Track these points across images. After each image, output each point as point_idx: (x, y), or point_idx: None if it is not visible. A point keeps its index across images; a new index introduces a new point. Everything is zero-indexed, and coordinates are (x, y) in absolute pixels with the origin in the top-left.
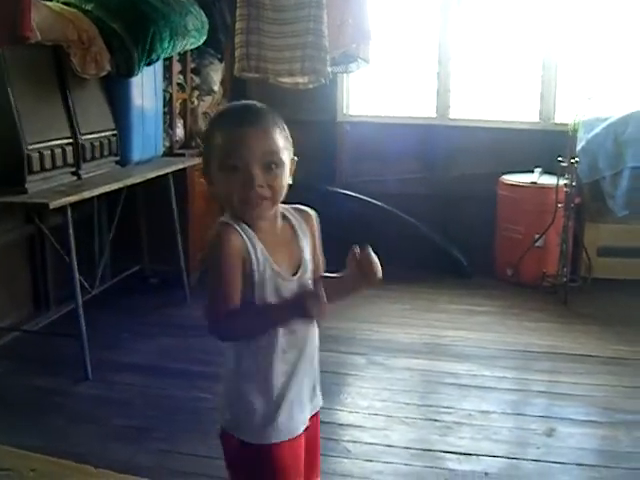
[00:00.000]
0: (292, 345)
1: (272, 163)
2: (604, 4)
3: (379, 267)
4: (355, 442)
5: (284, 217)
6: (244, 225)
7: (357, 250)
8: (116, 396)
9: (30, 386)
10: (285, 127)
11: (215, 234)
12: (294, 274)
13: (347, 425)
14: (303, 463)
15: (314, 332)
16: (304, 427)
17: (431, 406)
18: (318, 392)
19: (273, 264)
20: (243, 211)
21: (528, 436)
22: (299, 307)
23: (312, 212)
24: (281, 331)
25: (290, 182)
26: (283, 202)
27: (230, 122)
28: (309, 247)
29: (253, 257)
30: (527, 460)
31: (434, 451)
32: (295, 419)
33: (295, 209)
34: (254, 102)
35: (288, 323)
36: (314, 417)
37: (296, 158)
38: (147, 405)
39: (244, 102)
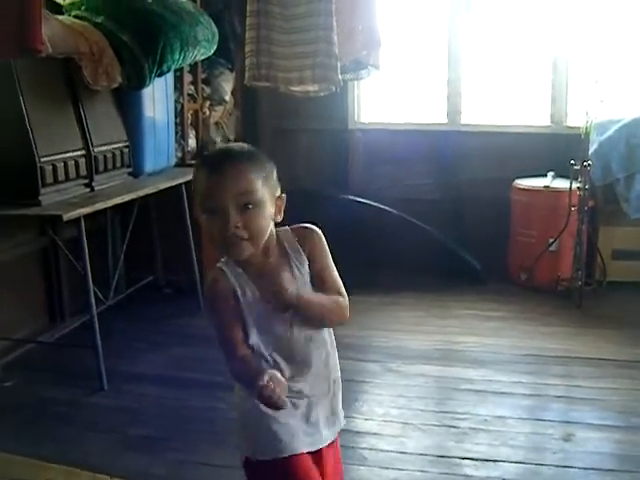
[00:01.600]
0: (294, 372)
1: (248, 203)
2: (614, 6)
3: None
4: (371, 449)
5: (282, 247)
6: (233, 266)
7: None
8: (131, 406)
9: (45, 397)
10: (269, 167)
11: (208, 283)
12: None
13: (363, 432)
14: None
15: (319, 355)
16: (321, 446)
17: (447, 412)
18: (340, 414)
19: (262, 302)
20: (226, 252)
21: (545, 441)
22: (257, 388)
23: (314, 230)
24: (279, 357)
25: (279, 219)
26: (281, 225)
27: (208, 166)
28: (306, 269)
29: (242, 299)
30: (545, 465)
31: (451, 457)
32: (310, 435)
33: (294, 230)
34: (239, 145)
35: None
36: (333, 443)
37: (284, 195)
38: (162, 415)
39: (227, 145)
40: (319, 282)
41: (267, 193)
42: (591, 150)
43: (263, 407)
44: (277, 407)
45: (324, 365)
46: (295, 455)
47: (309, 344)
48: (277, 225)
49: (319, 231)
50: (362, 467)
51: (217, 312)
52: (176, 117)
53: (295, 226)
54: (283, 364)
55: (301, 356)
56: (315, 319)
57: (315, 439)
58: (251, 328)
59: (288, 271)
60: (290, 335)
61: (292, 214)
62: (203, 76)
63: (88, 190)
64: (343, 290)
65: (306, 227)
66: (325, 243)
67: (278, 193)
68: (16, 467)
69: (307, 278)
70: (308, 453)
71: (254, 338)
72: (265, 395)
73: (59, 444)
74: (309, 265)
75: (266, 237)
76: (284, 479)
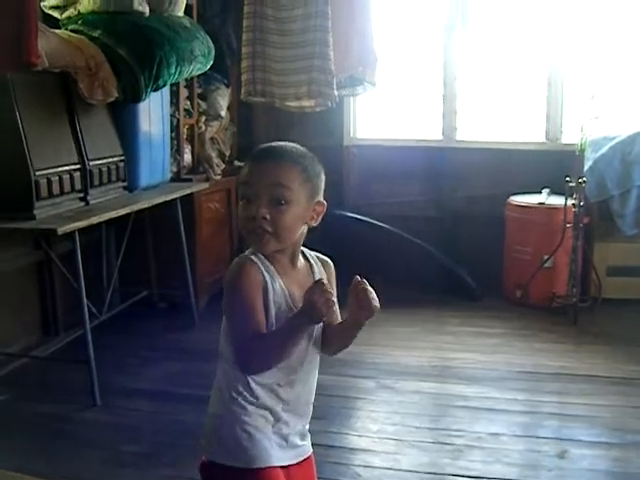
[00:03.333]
0: (287, 381)
1: (280, 198)
2: (609, 24)
3: (374, 298)
4: (366, 466)
5: (305, 258)
6: (263, 258)
7: (355, 281)
8: (124, 422)
9: (38, 412)
10: (313, 170)
11: (235, 268)
12: None
13: (357, 449)
14: None
15: (312, 373)
16: (296, 461)
17: (442, 429)
18: (308, 437)
19: (289, 299)
20: (250, 241)
21: (540, 458)
22: (307, 307)
23: (331, 263)
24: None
25: (315, 224)
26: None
27: (255, 156)
28: None
29: (271, 291)
30: None
31: (445, 475)
32: (282, 449)
33: (317, 256)
34: (291, 144)
35: (303, 329)
36: (309, 457)
37: (324, 202)
38: (155, 431)
39: (280, 142)
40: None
41: (304, 194)
42: (586, 167)
43: (248, 410)
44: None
45: (311, 385)
46: (266, 467)
47: (311, 361)
48: (309, 232)
49: (333, 266)
50: None
51: (245, 293)
52: (172, 132)
53: (316, 254)
54: (281, 372)
55: (300, 369)
56: (348, 341)
57: (288, 454)
58: (272, 324)
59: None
60: (305, 347)
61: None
62: (199, 91)
63: (83, 204)
64: None
65: (325, 259)
66: None
67: (319, 198)
68: None
69: None
70: (282, 467)
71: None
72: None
73: (51, 460)
74: None
75: (293, 238)
76: None
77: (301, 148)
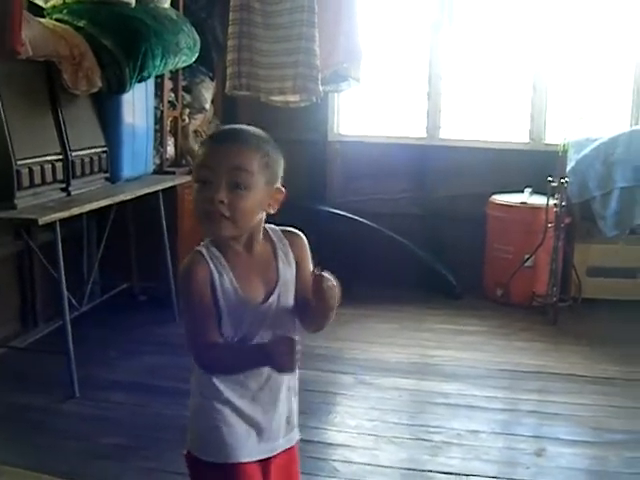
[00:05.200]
0: (252, 373)
1: (239, 183)
2: (594, 26)
3: (332, 290)
4: (344, 462)
5: (268, 239)
6: (214, 250)
7: (315, 272)
8: (103, 414)
9: (16, 403)
10: (274, 156)
11: (185, 264)
12: (266, 300)
13: (336, 445)
14: None
15: None
16: (271, 454)
17: (420, 426)
18: (294, 425)
19: (239, 291)
20: (205, 227)
21: (518, 456)
22: (270, 356)
23: (301, 235)
24: None
25: (273, 211)
26: (275, 224)
27: (214, 138)
28: (292, 270)
29: (218, 285)
30: None
31: (424, 471)
32: (259, 442)
33: (284, 231)
34: (252, 128)
35: (260, 367)
36: (290, 450)
37: (283, 189)
38: (134, 423)
39: (241, 125)
40: (305, 287)
41: (263, 180)
42: (568, 167)
43: (216, 408)
44: (292, 367)
45: (287, 377)
46: (240, 463)
47: None
48: (268, 219)
49: (304, 237)
50: (334, 479)
51: (191, 295)
52: (155, 124)
53: (282, 228)
54: None
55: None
56: (324, 323)
57: (266, 447)
58: (225, 317)
59: (274, 269)
60: (263, 332)
61: (269, 223)
62: (184, 83)
63: (64, 195)
64: None
65: (294, 232)
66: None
67: (278, 185)
68: None
69: (293, 280)
70: (258, 461)
71: (227, 329)
72: (293, 352)
73: (29, 452)
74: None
75: (251, 223)
76: None
77: (262, 133)
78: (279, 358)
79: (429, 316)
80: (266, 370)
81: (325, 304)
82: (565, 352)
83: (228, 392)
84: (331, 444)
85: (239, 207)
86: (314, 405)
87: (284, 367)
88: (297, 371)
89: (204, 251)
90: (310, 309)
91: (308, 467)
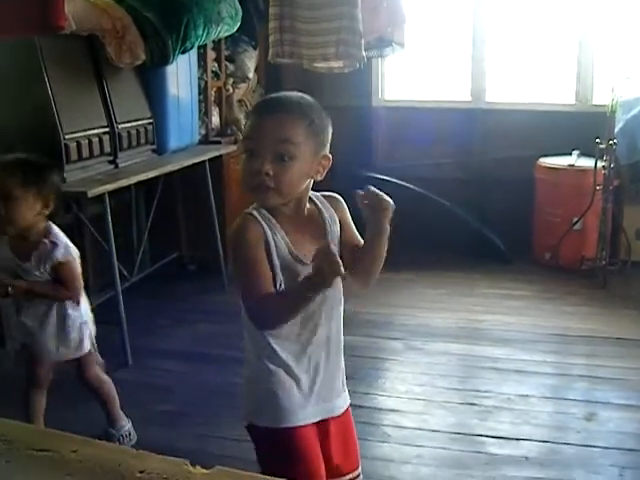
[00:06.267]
0: (305, 328)
1: (284, 154)
2: None
3: (385, 198)
4: (394, 427)
5: (313, 203)
6: (265, 212)
7: (360, 192)
8: (155, 382)
9: (71, 372)
10: (320, 123)
11: (236, 225)
12: None
13: (386, 410)
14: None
15: (335, 315)
16: (327, 416)
17: (470, 390)
18: (344, 385)
19: (292, 249)
20: (252, 195)
21: (568, 420)
22: (315, 273)
23: (340, 198)
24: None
25: (320, 178)
26: (313, 189)
27: (260, 108)
28: (338, 232)
29: (272, 243)
30: (567, 444)
31: (474, 435)
32: (314, 406)
33: (324, 196)
34: (295, 93)
35: (313, 294)
36: (345, 415)
37: (330, 155)
38: (186, 390)
39: (286, 93)
40: (353, 247)
41: (309, 149)
42: (617, 128)
43: (272, 371)
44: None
45: (336, 331)
46: (297, 427)
47: (332, 306)
48: (314, 186)
49: (343, 201)
50: (384, 444)
51: (246, 252)
52: (200, 94)
53: (322, 193)
54: (298, 321)
55: (320, 312)
56: (381, 251)
57: (321, 409)
58: (278, 274)
59: (322, 232)
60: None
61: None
62: (226, 53)
63: (112, 167)
64: None
65: (333, 195)
66: None
67: (325, 152)
68: (39, 438)
69: (338, 243)
70: (314, 424)
71: (280, 287)
72: (331, 259)
73: (84, 418)
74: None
75: (297, 192)
76: (285, 449)
77: (308, 99)
78: (323, 266)
79: (477, 281)
80: (321, 319)
81: (379, 211)
82: (614, 316)
83: (284, 353)
84: (381, 409)
85: (284, 178)
86: (364, 371)
87: (327, 279)
88: (342, 325)
89: (255, 212)
90: (360, 254)
91: (359, 432)
